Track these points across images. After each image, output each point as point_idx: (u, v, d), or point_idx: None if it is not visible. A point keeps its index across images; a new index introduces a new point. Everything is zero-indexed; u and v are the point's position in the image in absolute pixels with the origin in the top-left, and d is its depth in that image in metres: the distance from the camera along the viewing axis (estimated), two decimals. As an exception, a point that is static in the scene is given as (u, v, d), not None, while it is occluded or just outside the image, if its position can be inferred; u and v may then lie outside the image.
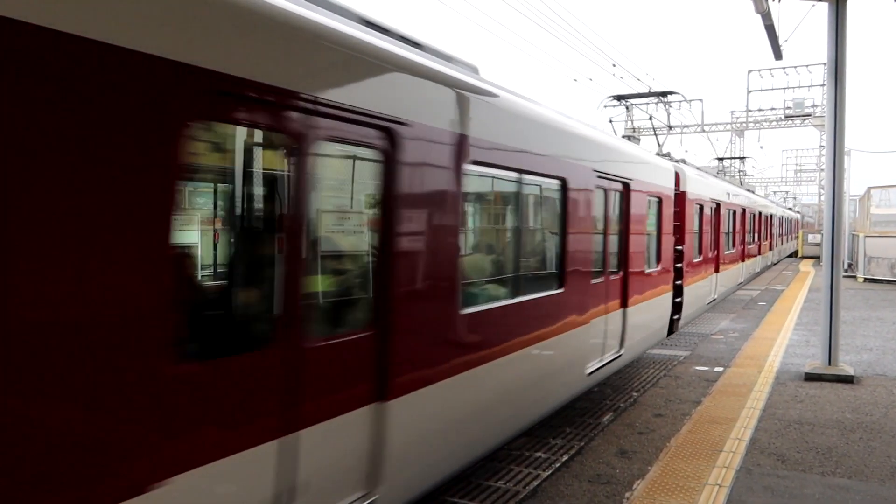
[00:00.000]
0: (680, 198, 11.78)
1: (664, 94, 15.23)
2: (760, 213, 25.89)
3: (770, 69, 38.92)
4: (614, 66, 36.98)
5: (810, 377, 8.94)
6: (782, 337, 12.28)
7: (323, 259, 3.76)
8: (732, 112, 42.84)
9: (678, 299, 11.84)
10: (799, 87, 38.69)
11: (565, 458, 5.96)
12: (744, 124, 41.93)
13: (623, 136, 12.96)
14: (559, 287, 6.54)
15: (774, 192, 65.88)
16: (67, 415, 2.33)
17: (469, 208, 5.40)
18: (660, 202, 10.13)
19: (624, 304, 8.47)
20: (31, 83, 2.19)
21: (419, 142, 4.22)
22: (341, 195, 4.16)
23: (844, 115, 9.06)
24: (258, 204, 3.73)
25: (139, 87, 2.51)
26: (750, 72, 40.28)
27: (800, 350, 10.94)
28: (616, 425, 6.91)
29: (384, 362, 3.98)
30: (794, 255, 44.43)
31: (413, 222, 4.23)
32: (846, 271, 25.01)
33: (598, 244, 7.72)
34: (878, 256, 23.95)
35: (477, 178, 5.32)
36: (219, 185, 3.98)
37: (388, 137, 3.95)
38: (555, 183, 6.45)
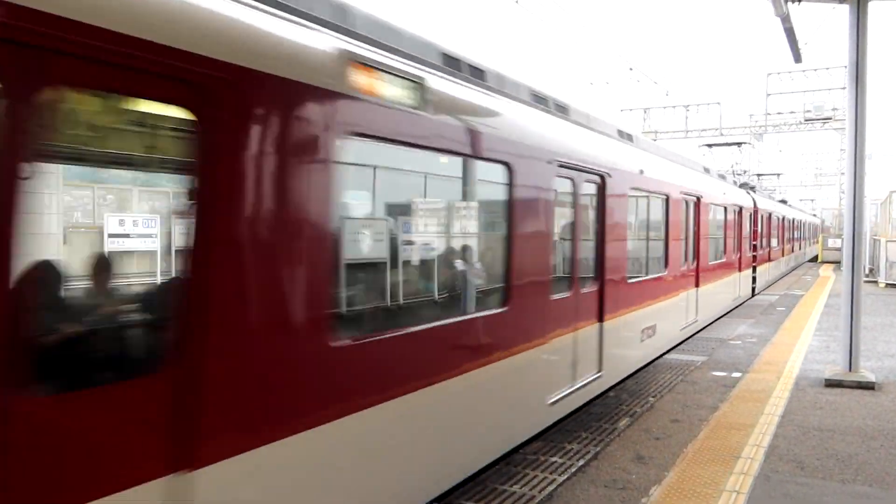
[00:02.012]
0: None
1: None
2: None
3: (789, 72, 38.54)
4: (631, 69, 36.76)
5: (830, 383, 8.82)
6: (802, 342, 12.13)
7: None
8: (751, 115, 42.48)
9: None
10: (819, 90, 38.27)
11: (581, 462, 5.93)
12: (762, 128, 41.54)
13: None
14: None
15: (799, 199, 65.62)
16: None
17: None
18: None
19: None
20: None
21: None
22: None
23: (865, 119, 8.96)
24: None
25: None
26: (769, 75, 39.93)
27: (820, 356, 10.80)
28: (632, 430, 6.87)
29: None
30: (812, 259, 43.92)
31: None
32: (867, 276, 24.66)
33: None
34: (900, 261, 23.58)
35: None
36: None
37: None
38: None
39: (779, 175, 41.52)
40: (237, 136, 3.08)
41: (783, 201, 35.71)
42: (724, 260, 14.88)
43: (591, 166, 7.12)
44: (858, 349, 9.14)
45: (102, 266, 3.77)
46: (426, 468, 4.64)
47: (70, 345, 2.89)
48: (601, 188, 7.56)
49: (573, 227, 7.04)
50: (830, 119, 37.17)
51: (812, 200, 72.02)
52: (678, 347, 11.54)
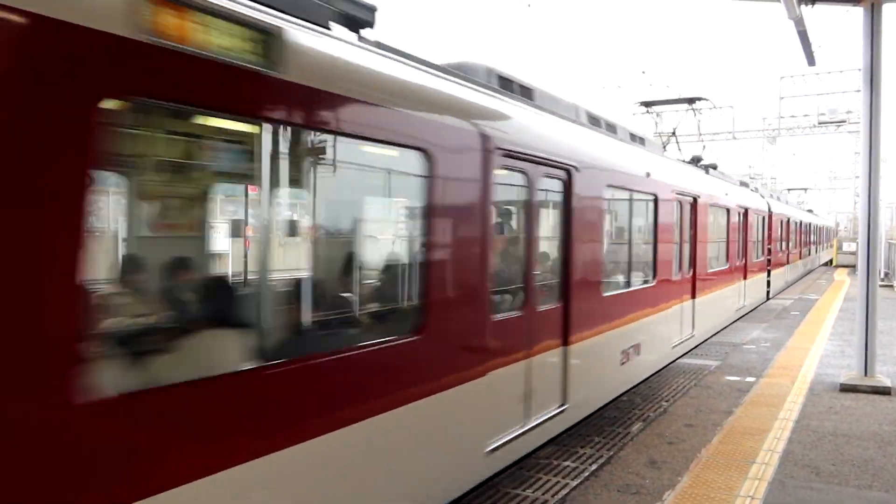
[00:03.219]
0: None
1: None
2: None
3: (803, 75, 38.30)
4: (643, 73, 36.72)
5: (846, 388, 8.75)
6: (816, 347, 12.04)
7: None
8: (764, 119, 42.26)
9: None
10: (833, 93, 38.00)
11: (594, 467, 5.92)
12: (776, 131, 41.31)
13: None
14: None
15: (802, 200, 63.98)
16: None
17: None
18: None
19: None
20: None
21: None
22: None
23: (880, 121, 8.90)
24: None
25: None
26: (782, 78, 39.69)
27: (835, 360, 10.72)
28: (645, 435, 6.85)
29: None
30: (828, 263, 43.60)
31: None
32: (882, 280, 24.44)
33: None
34: (916, 265, 23.36)
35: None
36: None
37: None
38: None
39: (695, 102, 18.08)
40: None
41: (712, 168, 14.66)
42: None
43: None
44: (874, 354, 9.06)
45: None
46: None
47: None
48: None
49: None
50: (844, 122, 36.90)
51: (804, 191, 55.10)
52: (691, 352, 11.48)
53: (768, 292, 20.17)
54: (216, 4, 3.13)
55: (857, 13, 9.07)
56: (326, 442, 3.69)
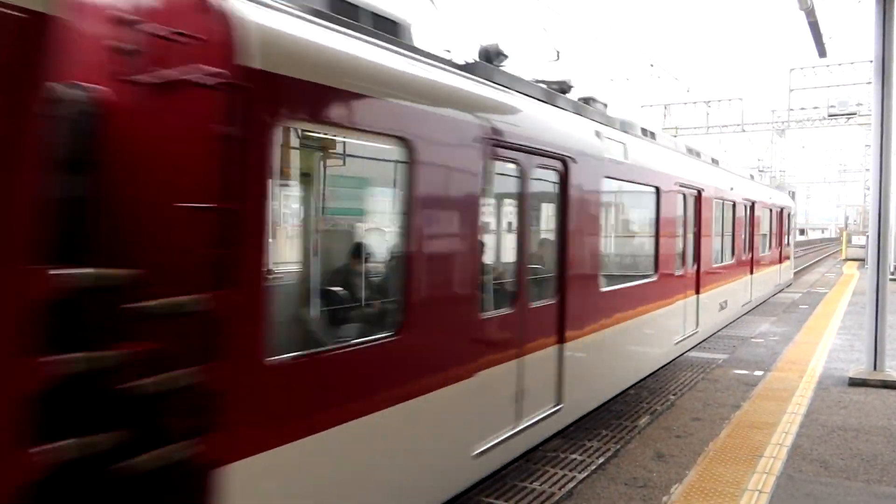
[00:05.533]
0: None
1: None
2: None
3: (813, 67, 38.01)
4: (652, 66, 36.48)
5: (855, 382, 8.71)
6: (825, 341, 11.98)
7: None
8: (773, 111, 41.97)
9: None
10: (843, 85, 37.70)
11: (601, 460, 5.91)
12: (785, 123, 41.06)
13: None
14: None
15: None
16: None
17: None
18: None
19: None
20: None
21: None
22: None
23: (892, 114, 8.82)
24: None
25: None
26: (792, 70, 39.40)
27: (843, 355, 10.66)
28: (653, 428, 6.83)
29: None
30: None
31: None
32: (892, 274, 24.24)
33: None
34: (927, 259, 23.10)
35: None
36: None
37: None
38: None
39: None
40: None
41: None
42: None
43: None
44: (884, 348, 9.01)
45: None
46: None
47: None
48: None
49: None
50: (855, 114, 36.63)
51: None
52: (699, 346, 11.45)
53: None
54: None
55: (870, 3, 8.98)
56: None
